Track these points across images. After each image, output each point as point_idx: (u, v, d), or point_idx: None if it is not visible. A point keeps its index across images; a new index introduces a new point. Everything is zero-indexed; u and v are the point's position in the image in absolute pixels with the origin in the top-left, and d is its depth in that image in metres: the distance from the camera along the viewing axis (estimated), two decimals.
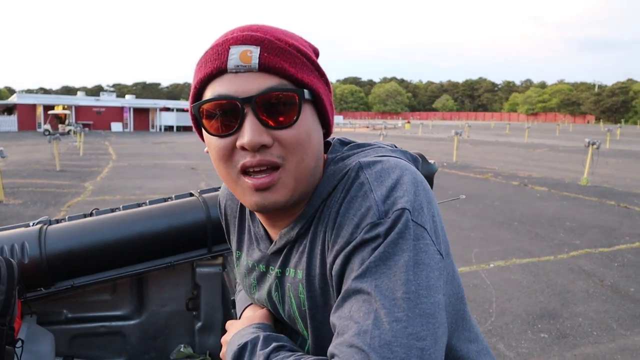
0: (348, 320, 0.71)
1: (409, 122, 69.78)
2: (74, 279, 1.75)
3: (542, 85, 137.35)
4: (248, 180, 0.81)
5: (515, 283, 4.90)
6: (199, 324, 2.04)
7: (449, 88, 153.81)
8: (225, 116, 0.79)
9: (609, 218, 7.91)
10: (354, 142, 0.95)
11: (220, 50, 0.80)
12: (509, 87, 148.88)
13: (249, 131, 0.77)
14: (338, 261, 0.77)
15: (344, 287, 0.75)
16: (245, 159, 0.79)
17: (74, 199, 9.25)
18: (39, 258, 1.65)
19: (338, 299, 0.76)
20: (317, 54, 0.90)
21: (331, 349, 0.72)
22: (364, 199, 0.77)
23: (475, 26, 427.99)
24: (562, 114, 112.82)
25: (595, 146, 11.84)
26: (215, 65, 0.79)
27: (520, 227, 7.25)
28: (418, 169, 0.88)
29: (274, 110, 0.78)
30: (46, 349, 1.71)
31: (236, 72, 0.78)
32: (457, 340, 0.90)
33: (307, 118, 0.82)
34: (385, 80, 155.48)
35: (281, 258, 0.92)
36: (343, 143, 0.95)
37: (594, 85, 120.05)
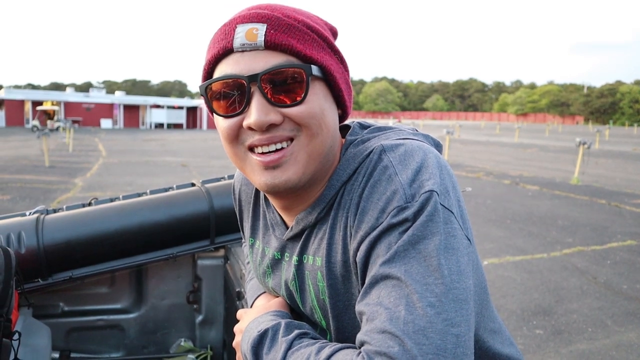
0: (377, 307, 0.68)
1: (400, 122, 70.04)
2: (72, 270, 1.70)
3: (532, 86, 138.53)
4: (256, 158, 0.79)
5: (509, 280, 4.91)
6: (200, 318, 2.00)
7: (440, 88, 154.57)
8: (232, 96, 0.77)
9: (601, 217, 7.96)
10: (373, 125, 0.93)
11: (227, 29, 0.78)
12: (499, 88, 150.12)
13: (256, 111, 0.75)
14: (363, 247, 0.74)
15: (371, 273, 0.72)
16: (253, 138, 0.78)
17: (63, 194, 9.13)
18: (36, 248, 1.60)
19: (364, 286, 0.72)
20: (334, 33, 0.87)
21: (360, 336, 0.68)
22: (388, 183, 0.74)
23: (466, 26, 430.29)
24: (552, 115, 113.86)
25: (586, 146, 11.91)
26: (222, 45, 0.78)
27: (513, 225, 7.27)
28: (440, 153, 0.85)
29: (281, 87, 0.76)
30: (42, 342, 1.66)
31: (242, 51, 0.76)
32: (484, 332, 0.88)
33: (317, 94, 0.79)
34: (376, 80, 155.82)
35: (299, 245, 0.88)
36: (363, 126, 0.92)
37: (583, 86, 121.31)
